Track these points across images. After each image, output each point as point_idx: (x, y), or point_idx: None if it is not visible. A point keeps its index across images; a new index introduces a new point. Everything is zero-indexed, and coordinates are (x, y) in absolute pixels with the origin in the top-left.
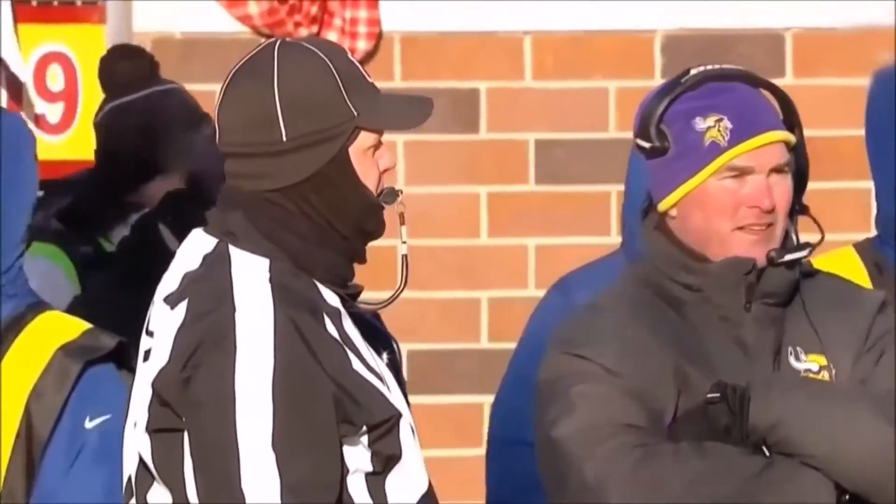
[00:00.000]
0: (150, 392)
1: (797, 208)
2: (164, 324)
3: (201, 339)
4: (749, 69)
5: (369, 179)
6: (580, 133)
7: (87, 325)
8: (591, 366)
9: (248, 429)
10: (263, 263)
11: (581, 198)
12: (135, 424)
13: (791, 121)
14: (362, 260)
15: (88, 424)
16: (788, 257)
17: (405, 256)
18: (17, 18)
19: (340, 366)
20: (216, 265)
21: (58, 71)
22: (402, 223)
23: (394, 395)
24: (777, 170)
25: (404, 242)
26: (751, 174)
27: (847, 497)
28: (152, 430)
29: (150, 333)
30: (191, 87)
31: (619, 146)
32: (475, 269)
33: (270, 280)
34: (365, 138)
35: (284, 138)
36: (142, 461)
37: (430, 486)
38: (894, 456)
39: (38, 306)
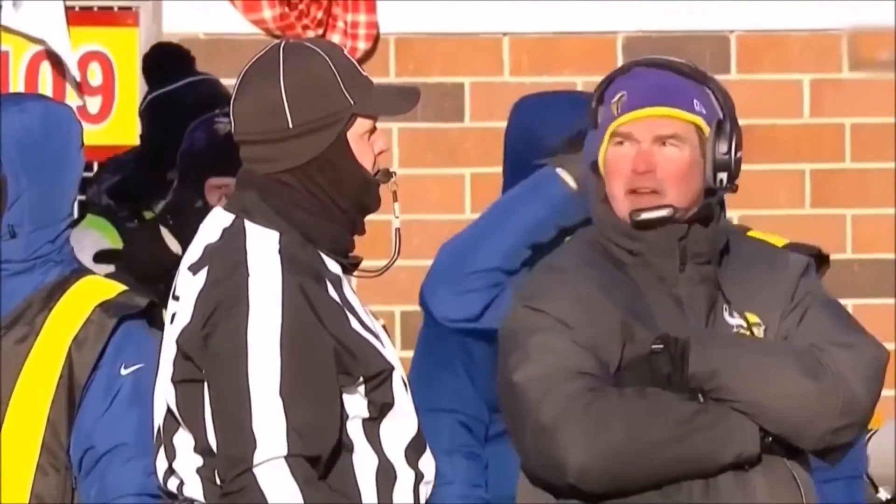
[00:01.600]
0: (175, 348)
1: (721, 186)
2: (187, 289)
3: (219, 301)
4: (697, 65)
5: (366, 160)
6: None
7: (123, 287)
8: (548, 318)
9: (258, 379)
10: (274, 236)
11: None
12: (165, 378)
13: (725, 112)
14: (361, 231)
15: (123, 371)
16: (645, 215)
17: (398, 230)
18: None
19: (340, 325)
20: (233, 238)
21: (97, 68)
22: (396, 200)
23: (388, 351)
24: (661, 140)
25: (397, 217)
26: (633, 141)
27: (770, 439)
28: (177, 380)
29: (176, 298)
30: None
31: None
32: None
33: (280, 251)
34: (361, 124)
35: (290, 125)
36: (169, 410)
37: (419, 430)
38: (812, 404)
39: (80, 271)
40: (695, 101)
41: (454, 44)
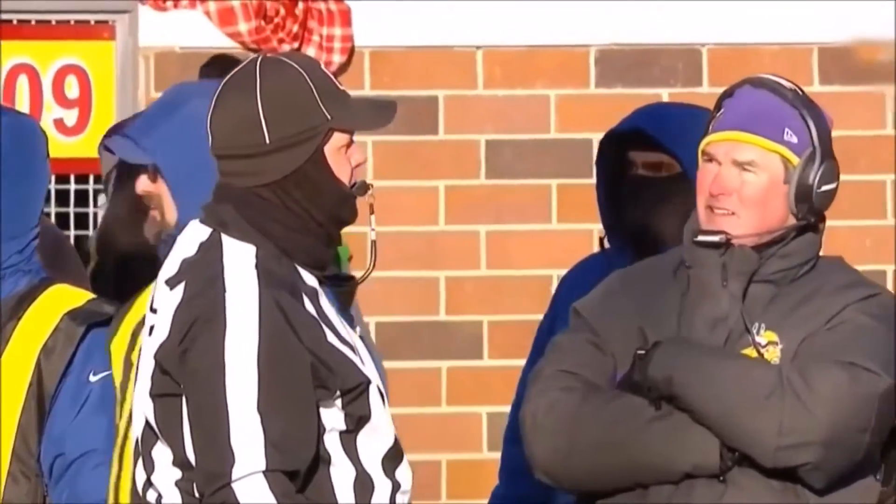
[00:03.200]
0: (152, 362)
1: (801, 217)
2: (165, 303)
3: (196, 316)
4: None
5: (343, 174)
6: (525, 134)
7: (91, 295)
8: (579, 319)
9: (236, 394)
10: (251, 250)
11: (525, 190)
12: (143, 391)
13: (819, 143)
14: (337, 244)
15: (92, 378)
16: (700, 237)
17: (374, 242)
18: (38, 35)
19: (317, 339)
20: (210, 251)
21: (74, 81)
22: (372, 213)
23: (366, 363)
24: (739, 165)
25: (373, 230)
26: (715, 161)
27: (736, 454)
28: (155, 395)
29: (153, 311)
30: None
31: (559, 146)
32: (434, 252)
33: (256, 265)
34: (338, 138)
35: (268, 140)
36: (147, 423)
37: (396, 440)
38: (750, 419)
39: (48, 280)
40: (786, 129)
41: (428, 57)
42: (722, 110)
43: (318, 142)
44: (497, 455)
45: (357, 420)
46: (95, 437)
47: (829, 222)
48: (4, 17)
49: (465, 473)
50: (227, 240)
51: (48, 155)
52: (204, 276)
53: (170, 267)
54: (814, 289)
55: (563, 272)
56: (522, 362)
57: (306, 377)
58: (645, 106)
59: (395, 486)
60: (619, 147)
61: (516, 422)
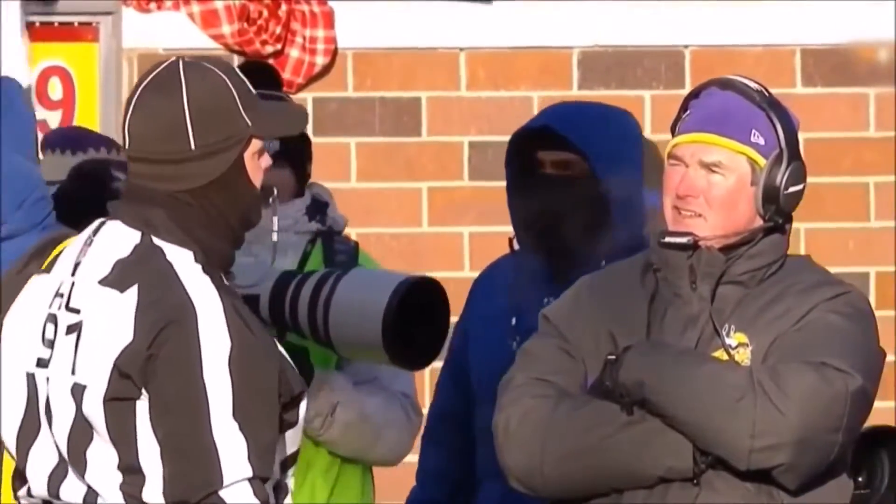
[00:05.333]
0: (107, 366)
1: (768, 218)
2: (107, 305)
3: (166, 321)
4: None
5: (256, 179)
6: (508, 136)
7: None
8: (548, 325)
9: (214, 400)
10: (189, 255)
11: None
12: (80, 390)
13: (786, 144)
14: (240, 246)
15: None
16: (668, 239)
17: (276, 244)
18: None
19: (274, 344)
20: (151, 254)
21: (57, 83)
22: (276, 214)
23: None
24: (706, 166)
25: (275, 231)
26: (682, 163)
27: (710, 457)
28: (109, 398)
29: (74, 310)
30: None
31: None
32: (418, 253)
33: (203, 269)
34: (254, 144)
35: (193, 146)
36: (82, 422)
37: (300, 447)
38: (724, 422)
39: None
40: (753, 130)
41: (411, 58)
42: (688, 111)
43: (239, 149)
44: None
45: (285, 426)
46: None
47: (811, 224)
48: None
49: None
50: (162, 243)
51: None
52: (158, 278)
53: (97, 267)
54: (782, 289)
55: None
56: None
57: (275, 383)
58: (555, 104)
59: (288, 490)
60: (529, 146)
61: (435, 423)
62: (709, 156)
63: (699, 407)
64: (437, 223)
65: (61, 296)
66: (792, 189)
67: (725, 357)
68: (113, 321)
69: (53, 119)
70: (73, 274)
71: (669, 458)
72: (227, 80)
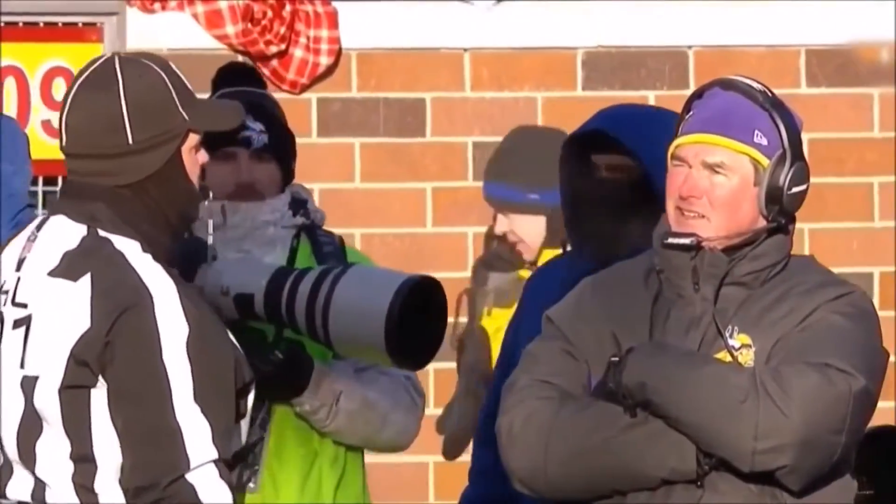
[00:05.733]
0: (62, 355)
1: (771, 219)
2: (59, 295)
3: (124, 307)
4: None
5: (194, 174)
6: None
7: None
8: (552, 327)
9: (175, 384)
10: (136, 245)
11: None
12: (30, 382)
13: (789, 144)
14: (179, 241)
15: None
16: (671, 240)
17: (212, 246)
18: (26, 37)
19: (226, 331)
20: (100, 244)
21: (62, 83)
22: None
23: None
24: (709, 167)
25: (210, 234)
26: (685, 164)
27: (713, 459)
28: (64, 386)
29: (21, 305)
30: None
31: None
32: (422, 253)
33: (153, 258)
34: (192, 139)
35: (130, 141)
36: (31, 415)
37: (246, 443)
38: (727, 424)
39: None
40: (756, 131)
41: (415, 59)
42: (691, 112)
43: (177, 143)
44: None
45: (237, 417)
46: None
47: (815, 224)
48: None
49: (452, 475)
50: (108, 234)
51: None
52: (111, 266)
53: (45, 259)
54: (785, 290)
55: None
56: None
57: (231, 367)
58: (606, 108)
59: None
60: (581, 150)
61: (485, 425)
62: (712, 156)
63: (702, 408)
64: (441, 223)
65: (6, 293)
66: (795, 189)
67: (728, 358)
68: (67, 310)
69: (58, 120)
70: (17, 270)
71: (673, 460)
72: (164, 76)
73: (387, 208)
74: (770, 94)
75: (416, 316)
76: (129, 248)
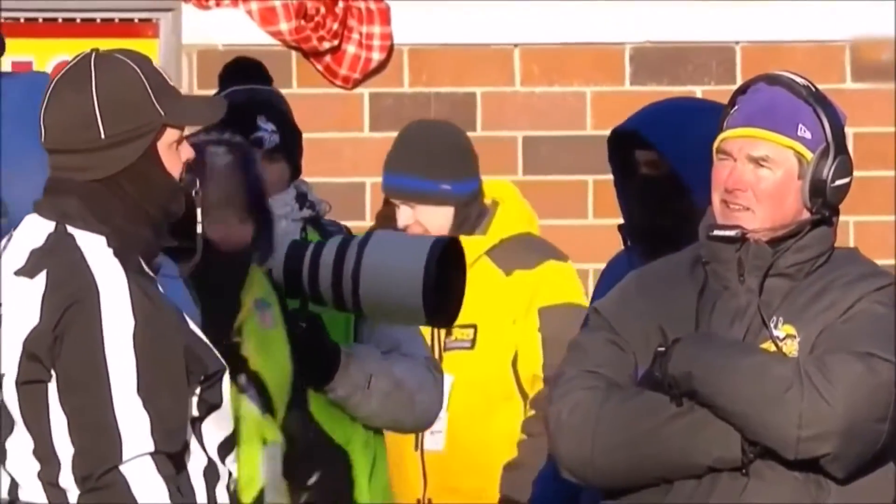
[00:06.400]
0: (18, 349)
1: (815, 211)
2: (20, 292)
3: (70, 301)
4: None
5: (174, 169)
6: (561, 131)
7: None
8: (599, 318)
9: (116, 377)
10: (101, 240)
11: (562, 186)
12: (2, 378)
13: (832, 138)
14: (166, 236)
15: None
16: (716, 232)
17: (201, 234)
18: (84, 33)
19: (181, 324)
20: (63, 241)
21: None
22: (199, 206)
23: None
24: (754, 160)
25: (200, 223)
26: (730, 158)
27: (758, 447)
28: (21, 382)
29: None
30: None
31: (595, 142)
32: None
33: (115, 253)
34: (170, 134)
35: (103, 136)
36: (4, 412)
37: (234, 430)
38: (772, 412)
39: None
40: (800, 125)
41: (466, 54)
42: (736, 107)
43: (151, 138)
44: None
45: (208, 407)
46: None
47: (859, 217)
48: (51, 15)
49: None
50: (74, 230)
51: None
52: (66, 262)
53: (15, 259)
54: (829, 281)
55: (600, 266)
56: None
57: (181, 361)
58: (649, 104)
59: (230, 475)
60: (624, 146)
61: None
62: (756, 150)
63: (747, 397)
64: None
65: None
66: (838, 182)
67: (773, 348)
68: (22, 307)
69: None
70: None
71: (718, 449)
72: (139, 71)
73: None
74: (814, 89)
75: (443, 274)
76: (92, 243)
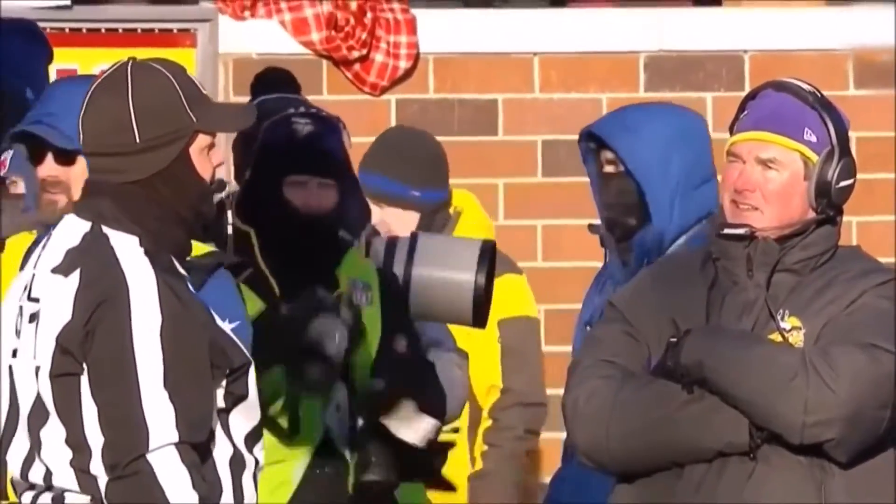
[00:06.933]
0: (52, 344)
1: (820, 211)
2: (56, 289)
3: (101, 298)
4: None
5: (205, 173)
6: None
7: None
8: (614, 311)
9: (144, 371)
10: (134, 240)
11: (579, 187)
12: (36, 371)
13: (837, 142)
14: (198, 237)
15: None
16: (726, 230)
17: (230, 235)
18: (126, 42)
19: (208, 320)
20: (97, 241)
21: None
22: (230, 208)
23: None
24: (762, 162)
25: (230, 224)
26: (740, 160)
27: (765, 432)
28: (55, 375)
29: (34, 300)
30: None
31: None
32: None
33: (145, 252)
34: (202, 139)
35: (138, 140)
36: (38, 403)
37: (261, 420)
38: (778, 399)
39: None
40: (806, 129)
41: (488, 62)
42: (746, 112)
43: (183, 142)
44: (553, 435)
45: (235, 399)
46: None
47: (863, 217)
48: (93, 25)
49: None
50: (108, 230)
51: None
52: (99, 261)
53: (51, 257)
54: (833, 276)
55: None
56: None
57: (206, 356)
58: (616, 108)
59: (257, 463)
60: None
61: None
62: (765, 152)
63: (755, 385)
64: (512, 217)
65: (26, 288)
66: (842, 183)
67: (780, 339)
68: (57, 303)
69: None
70: (34, 267)
71: (727, 434)
72: (173, 80)
73: None
74: (819, 95)
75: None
76: (124, 243)
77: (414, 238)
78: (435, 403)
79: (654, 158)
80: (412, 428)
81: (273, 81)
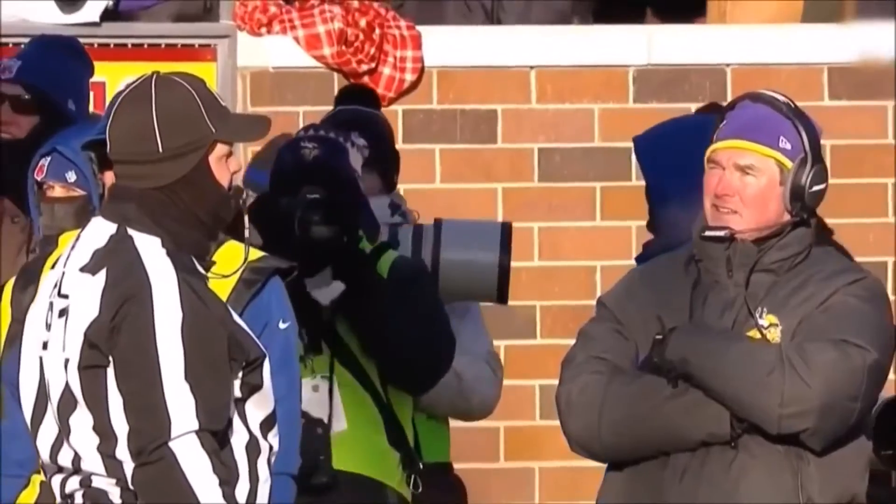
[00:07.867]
0: (80, 338)
1: (795, 214)
2: (84, 287)
3: (126, 296)
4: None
5: (223, 179)
6: (572, 143)
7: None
8: (605, 310)
9: (166, 364)
10: (156, 241)
11: (573, 192)
12: (65, 363)
13: (810, 149)
14: (217, 238)
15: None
16: (707, 233)
17: (248, 239)
18: (150, 57)
19: (226, 316)
20: (122, 242)
21: None
22: (245, 213)
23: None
24: (740, 168)
25: (247, 228)
26: (719, 167)
27: (745, 424)
28: (83, 367)
29: (64, 296)
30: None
31: (602, 153)
32: None
33: (167, 253)
34: (220, 149)
35: (161, 149)
36: (67, 393)
37: (274, 408)
38: (757, 392)
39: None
40: (781, 137)
41: (488, 75)
42: (725, 121)
43: (203, 151)
44: (548, 423)
45: (251, 389)
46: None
47: (836, 220)
48: (120, 41)
49: (520, 438)
50: (133, 232)
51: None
52: (124, 261)
53: (81, 257)
54: (808, 276)
55: (606, 263)
56: (571, 341)
57: (224, 349)
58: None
59: (271, 449)
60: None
61: None
62: (743, 159)
63: (735, 380)
64: (510, 219)
65: (56, 285)
66: (815, 188)
67: (758, 336)
68: (85, 300)
69: None
70: (64, 265)
71: (710, 425)
72: (194, 93)
73: (463, 206)
74: (793, 105)
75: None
76: (148, 244)
77: (438, 224)
78: (444, 342)
79: (680, 173)
80: (322, 291)
81: (353, 95)
